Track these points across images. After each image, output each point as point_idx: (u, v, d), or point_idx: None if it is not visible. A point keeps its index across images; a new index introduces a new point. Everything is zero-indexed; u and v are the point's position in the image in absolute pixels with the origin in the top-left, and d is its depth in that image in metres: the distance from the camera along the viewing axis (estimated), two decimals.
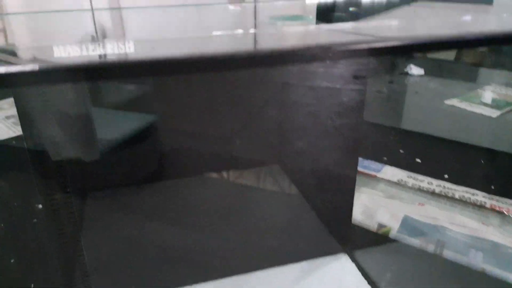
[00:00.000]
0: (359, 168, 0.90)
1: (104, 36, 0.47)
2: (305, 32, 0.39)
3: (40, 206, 0.79)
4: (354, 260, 0.67)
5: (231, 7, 0.55)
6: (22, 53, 0.40)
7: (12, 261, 0.71)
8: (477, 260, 0.66)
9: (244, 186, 0.78)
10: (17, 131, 1.18)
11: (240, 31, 0.37)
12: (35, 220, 0.78)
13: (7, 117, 1.24)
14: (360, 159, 0.95)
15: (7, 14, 0.53)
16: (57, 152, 0.59)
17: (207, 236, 0.69)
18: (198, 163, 0.80)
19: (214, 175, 0.82)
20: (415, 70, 1.48)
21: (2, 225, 0.78)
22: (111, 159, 0.77)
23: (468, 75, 1.54)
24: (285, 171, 0.85)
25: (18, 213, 0.80)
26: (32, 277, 0.64)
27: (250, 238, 0.69)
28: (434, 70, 1.53)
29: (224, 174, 0.82)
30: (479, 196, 0.80)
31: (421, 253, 0.68)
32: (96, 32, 0.46)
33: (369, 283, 0.63)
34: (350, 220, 0.70)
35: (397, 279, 0.65)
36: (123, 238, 0.70)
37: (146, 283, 0.63)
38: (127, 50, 0.35)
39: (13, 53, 0.39)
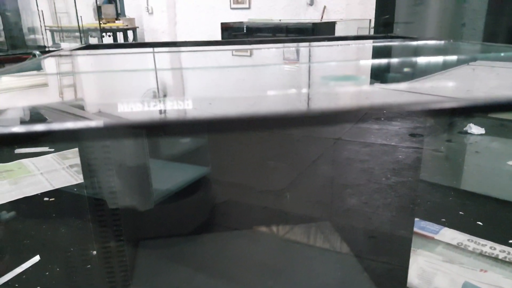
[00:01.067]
0: (416, 229, 0.87)
1: (166, 93, 0.50)
2: (357, 92, 0.40)
3: (95, 252, 0.82)
4: None
5: (286, 67, 0.57)
6: (89, 108, 0.43)
7: None
8: None
9: (293, 242, 0.77)
10: (78, 179, 1.25)
11: (293, 90, 0.38)
12: (89, 266, 0.80)
13: (71, 166, 1.32)
14: (416, 219, 0.92)
15: (78, 72, 0.58)
16: (114, 200, 0.62)
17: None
18: (249, 216, 0.81)
19: (264, 229, 0.82)
20: (475, 129, 1.44)
21: (58, 269, 0.81)
22: (165, 209, 0.79)
23: None
24: (337, 229, 0.83)
25: (74, 258, 0.83)
26: None
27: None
28: (496, 129, 1.48)
29: (274, 228, 0.81)
30: None
31: None
32: (158, 89, 0.50)
33: None
34: (406, 283, 0.66)
35: None
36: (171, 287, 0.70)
37: None
38: (186, 107, 0.37)
39: (81, 107, 0.43)
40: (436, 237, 0.84)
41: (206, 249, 0.78)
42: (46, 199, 1.12)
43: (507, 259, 0.76)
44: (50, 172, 1.28)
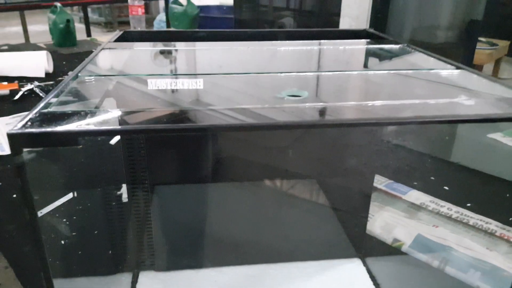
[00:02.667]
0: (388, 189, 1.04)
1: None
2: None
3: (120, 192, 1.01)
4: (365, 265, 0.81)
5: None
6: None
7: (96, 232, 0.93)
8: (474, 278, 0.77)
9: (281, 195, 0.94)
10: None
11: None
12: (114, 203, 0.99)
13: None
14: (391, 181, 1.09)
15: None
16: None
17: (246, 229, 0.87)
18: (250, 170, 0.97)
19: (260, 182, 0.99)
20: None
21: (89, 204, 1.01)
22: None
23: None
24: (320, 184, 1.00)
25: (103, 195, 1.02)
26: (111, 247, 0.85)
27: (280, 236, 0.86)
28: None
29: (269, 182, 0.99)
30: (492, 225, 0.91)
31: (425, 267, 0.81)
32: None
33: (374, 284, 0.77)
34: (365, 230, 0.84)
35: (400, 286, 0.78)
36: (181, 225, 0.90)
37: (195, 262, 0.82)
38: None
39: None
40: (404, 197, 1.01)
41: (207, 197, 0.96)
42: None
43: (458, 219, 0.93)
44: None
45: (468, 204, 1.00)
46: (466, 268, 0.79)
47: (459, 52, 1.92)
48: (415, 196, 1.01)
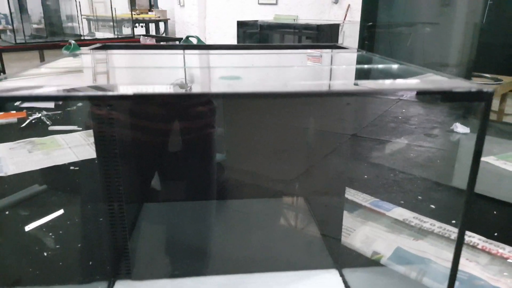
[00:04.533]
0: (372, 207, 1.05)
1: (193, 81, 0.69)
2: None
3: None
4: (341, 275, 0.82)
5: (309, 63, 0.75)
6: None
7: (79, 245, 0.96)
8: None
9: (263, 207, 0.96)
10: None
11: None
12: (101, 219, 1.02)
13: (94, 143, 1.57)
14: (377, 199, 1.10)
15: (112, 67, 0.79)
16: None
17: (223, 240, 0.88)
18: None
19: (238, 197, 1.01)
20: (460, 128, 1.58)
21: (77, 220, 1.04)
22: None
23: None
24: (301, 191, 1.02)
25: (89, 212, 1.06)
26: (91, 258, 0.87)
27: (258, 246, 0.87)
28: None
29: (247, 196, 1.01)
30: (475, 239, 0.90)
31: (402, 278, 0.81)
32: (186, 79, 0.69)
33: None
34: (340, 241, 0.85)
35: None
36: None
37: (171, 271, 0.83)
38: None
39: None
40: (388, 213, 1.02)
41: (184, 210, 0.98)
42: (72, 168, 1.36)
43: (440, 233, 0.93)
44: (77, 146, 1.52)
45: (453, 221, 1.00)
46: (442, 279, 0.79)
47: None
48: (399, 212, 1.02)
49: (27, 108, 1.86)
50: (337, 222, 0.85)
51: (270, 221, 0.91)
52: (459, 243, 0.51)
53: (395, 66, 0.57)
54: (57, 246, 0.93)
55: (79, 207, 1.06)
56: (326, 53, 0.79)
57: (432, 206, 1.09)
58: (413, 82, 0.45)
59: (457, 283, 0.78)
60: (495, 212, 1.06)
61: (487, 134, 1.36)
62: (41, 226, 1.00)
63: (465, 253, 0.86)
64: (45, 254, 0.88)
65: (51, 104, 1.92)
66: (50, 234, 0.98)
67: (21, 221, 1.02)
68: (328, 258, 0.86)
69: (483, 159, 1.36)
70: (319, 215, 0.96)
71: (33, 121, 1.72)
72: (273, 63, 0.73)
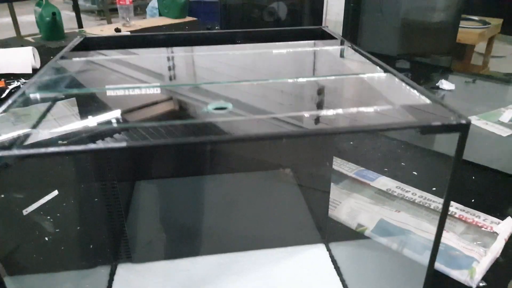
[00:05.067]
0: (357, 177, 1.11)
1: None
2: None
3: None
4: (328, 249, 0.89)
5: None
6: None
7: (78, 228, 1.01)
8: (428, 259, 0.85)
9: (252, 183, 1.02)
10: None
11: None
12: (96, 199, 1.07)
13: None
14: (362, 169, 1.16)
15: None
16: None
17: (217, 219, 0.95)
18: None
19: (229, 172, 1.07)
20: (446, 85, 1.63)
21: (72, 201, 1.09)
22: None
23: (498, 93, 1.66)
24: (291, 168, 1.08)
25: (84, 192, 1.11)
26: (91, 240, 0.93)
27: (249, 222, 0.94)
28: (467, 87, 1.67)
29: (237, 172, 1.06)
30: (453, 207, 0.98)
31: (384, 250, 0.89)
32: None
33: (335, 268, 0.85)
34: (327, 215, 0.92)
35: (360, 268, 0.86)
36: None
37: (169, 253, 0.90)
38: None
39: None
40: (372, 183, 1.08)
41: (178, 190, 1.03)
42: (60, 142, 1.39)
43: (421, 203, 1.00)
44: (62, 118, 1.54)
45: (434, 188, 1.08)
46: (421, 250, 0.87)
47: (444, 32, 1.96)
48: (383, 182, 1.09)
49: (5, 76, 1.85)
50: (324, 196, 0.91)
51: (257, 196, 0.97)
52: (442, 220, 0.55)
53: (374, 78, 0.60)
54: (57, 230, 0.98)
55: (72, 187, 1.11)
56: (306, 51, 0.81)
57: (414, 173, 1.16)
58: (382, 117, 0.48)
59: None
60: (473, 178, 1.13)
61: (471, 89, 1.40)
62: (38, 209, 1.05)
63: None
64: (46, 239, 0.94)
65: (29, 70, 1.91)
66: (48, 217, 1.03)
67: (17, 204, 1.07)
68: (316, 232, 0.93)
69: (493, 111, 1.41)
70: (306, 188, 1.02)
71: (12, 91, 1.71)
72: (254, 61, 0.76)
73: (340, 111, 0.47)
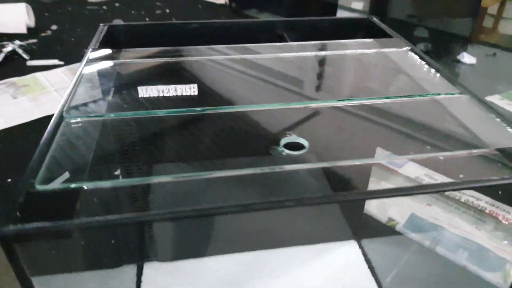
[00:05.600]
0: (384, 163, 1.10)
1: None
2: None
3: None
4: (361, 247, 0.89)
5: None
6: None
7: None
8: (462, 258, 0.86)
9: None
10: (90, 96, 1.45)
11: None
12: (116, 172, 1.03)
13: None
14: (387, 153, 1.14)
15: None
16: None
17: (245, 217, 0.94)
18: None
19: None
20: (467, 58, 1.59)
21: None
22: None
23: None
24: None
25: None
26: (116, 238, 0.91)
27: (278, 221, 0.93)
28: (488, 60, 1.63)
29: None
30: (482, 202, 0.98)
31: (417, 247, 0.89)
32: None
33: (369, 267, 0.85)
34: (362, 211, 0.91)
35: (393, 266, 0.86)
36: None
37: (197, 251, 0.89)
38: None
39: None
40: (399, 170, 1.07)
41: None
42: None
43: (451, 195, 1.00)
44: (63, 88, 1.47)
45: (461, 175, 1.07)
46: (455, 248, 0.87)
47: None
48: (411, 169, 1.07)
49: None
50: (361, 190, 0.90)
51: (286, 191, 0.95)
52: None
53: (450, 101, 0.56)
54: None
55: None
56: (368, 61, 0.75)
57: (441, 158, 1.15)
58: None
59: (466, 253, 0.87)
60: (499, 165, 1.13)
61: (493, 63, 1.36)
62: None
63: (473, 218, 0.94)
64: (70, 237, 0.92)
65: (23, 29, 1.82)
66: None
67: None
68: (347, 229, 0.93)
69: (488, 98, 1.39)
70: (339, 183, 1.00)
71: (8, 55, 1.64)
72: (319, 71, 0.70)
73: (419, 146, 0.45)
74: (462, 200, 0.99)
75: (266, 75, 0.67)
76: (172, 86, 0.64)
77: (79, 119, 0.49)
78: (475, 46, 1.74)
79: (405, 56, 0.70)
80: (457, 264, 0.85)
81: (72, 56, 1.61)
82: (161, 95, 0.63)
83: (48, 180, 0.39)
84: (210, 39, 0.74)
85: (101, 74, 0.61)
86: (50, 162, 0.41)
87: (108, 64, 0.63)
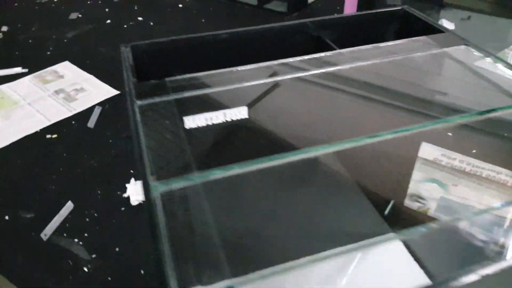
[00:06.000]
0: None
1: None
2: None
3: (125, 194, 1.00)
4: (399, 238, 0.90)
5: None
6: None
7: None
8: (499, 236, 0.88)
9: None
10: (72, 110, 1.33)
11: None
12: (123, 208, 0.99)
13: (56, 92, 1.38)
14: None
15: None
16: None
17: (281, 225, 0.91)
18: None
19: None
20: (446, 24, 1.61)
21: (96, 214, 1.00)
22: None
23: (499, 31, 1.68)
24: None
25: (106, 200, 1.01)
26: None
27: (314, 224, 0.91)
28: (465, 24, 1.66)
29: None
30: (503, 175, 1.01)
31: (452, 229, 0.91)
32: None
33: (414, 259, 0.86)
34: (403, 203, 0.92)
35: (436, 253, 0.88)
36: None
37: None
38: None
39: None
40: (418, 154, 1.08)
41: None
42: (48, 136, 1.22)
43: (472, 172, 1.02)
44: (38, 101, 1.35)
45: (473, 151, 1.10)
46: (490, 227, 0.90)
47: None
48: (428, 151, 1.09)
49: None
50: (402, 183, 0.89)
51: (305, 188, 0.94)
52: None
53: None
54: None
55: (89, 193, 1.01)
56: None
57: (449, 134, 1.17)
58: None
59: (502, 231, 0.90)
60: (505, 134, 1.16)
61: (470, 27, 1.38)
62: (60, 227, 0.96)
63: (498, 193, 0.97)
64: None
65: None
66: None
67: None
68: (382, 222, 0.93)
69: (480, 64, 1.42)
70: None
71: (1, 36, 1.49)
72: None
73: None
74: (484, 175, 1.01)
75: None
76: (221, 112, 0.60)
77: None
78: (448, 11, 1.77)
79: (470, 55, 0.69)
80: (495, 243, 0.88)
81: (34, 60, 1.49)
82: (209, 123, 0.59)
83: None
84: (243, 48, 0.70)
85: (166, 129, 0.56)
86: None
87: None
